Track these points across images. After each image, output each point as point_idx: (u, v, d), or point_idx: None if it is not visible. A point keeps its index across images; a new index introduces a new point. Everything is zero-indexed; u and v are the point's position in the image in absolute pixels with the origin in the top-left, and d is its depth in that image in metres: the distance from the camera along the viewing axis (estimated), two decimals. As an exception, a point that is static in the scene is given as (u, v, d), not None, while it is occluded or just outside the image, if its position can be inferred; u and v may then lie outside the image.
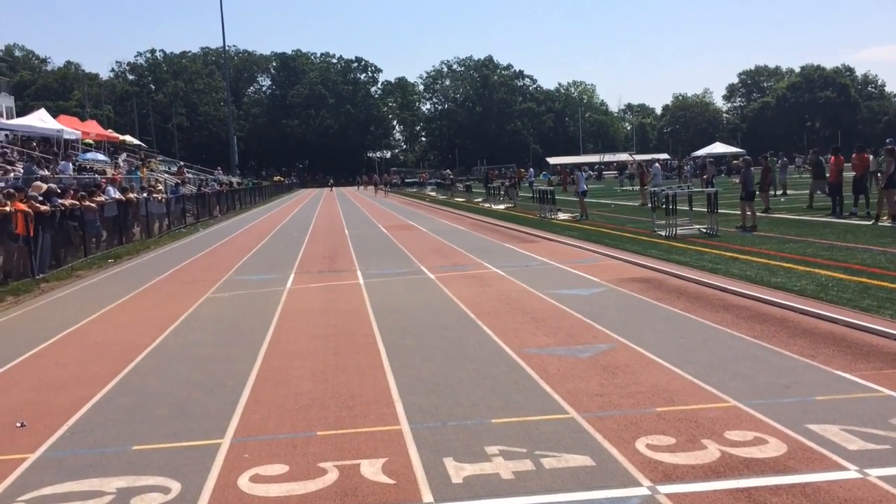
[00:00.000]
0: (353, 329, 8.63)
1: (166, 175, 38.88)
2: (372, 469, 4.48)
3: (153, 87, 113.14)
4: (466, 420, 5.27)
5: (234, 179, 59.55)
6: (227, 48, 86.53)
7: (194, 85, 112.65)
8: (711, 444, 4.60)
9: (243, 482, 4.40)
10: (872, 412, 5.00)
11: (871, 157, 21.13)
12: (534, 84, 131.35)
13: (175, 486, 4.38)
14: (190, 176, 45.03)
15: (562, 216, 24.59)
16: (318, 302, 10.68)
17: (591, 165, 79.66)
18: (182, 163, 53.27)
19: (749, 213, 17.64)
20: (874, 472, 4.05)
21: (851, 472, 4.08)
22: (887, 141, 20.50)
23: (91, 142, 37.54)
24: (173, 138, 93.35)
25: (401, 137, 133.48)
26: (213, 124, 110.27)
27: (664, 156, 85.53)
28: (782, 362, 6.34)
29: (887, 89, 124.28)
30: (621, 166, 72.74)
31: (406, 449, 4.78)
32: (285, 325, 9.06)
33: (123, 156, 39.19)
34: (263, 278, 13.53)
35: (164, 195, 27.61)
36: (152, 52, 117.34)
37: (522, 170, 63.03)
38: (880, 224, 16.59)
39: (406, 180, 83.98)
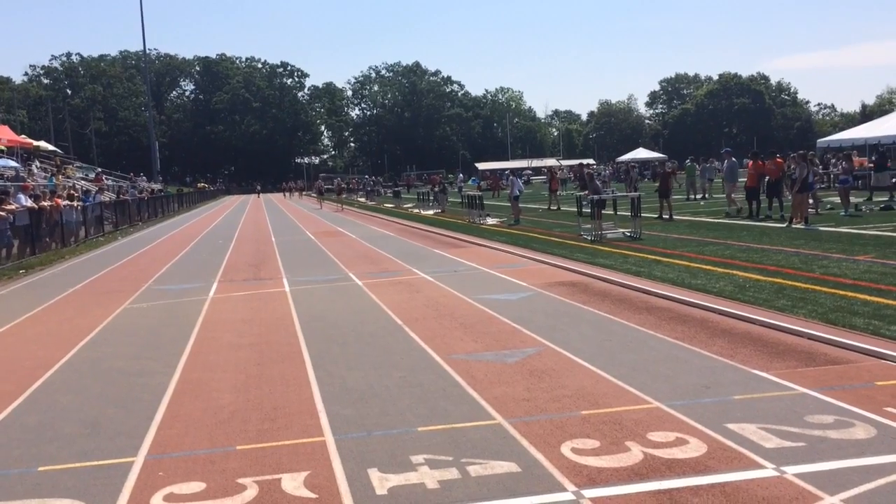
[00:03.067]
0: (277, 339, 8.43)
1: (83, 182, 37.51)
2: (293, 483, 4.35)
3: (69, 92, 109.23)
4: (392, 429, 5.18)
5: (156, 186, 57.90)
6: (147, 51, 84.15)
7: (113, 89, 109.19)
8: (635, 445, 4.63)
9: (157, 502, 4.21)
10: (788, 410, 5.13)
11: (784, 162, 21.95)
12: (462, 90, 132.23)
13: (83, 509, 4.15)
14: (109, 183, 43.58)
15: (491, 221, 24.73)
16: (241, 311, 10.41)
17: (519, 170, 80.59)
18: (100, 169, 51.54)
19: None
20: (790, 470, 4.14)
21: (769, 471, 4.16)
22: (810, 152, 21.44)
23: (3, 148, 35.92)
24: (91, 144, 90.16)
25: (329, 143, 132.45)
26: (134, 130, 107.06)
27: (591, 161, 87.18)
28: (702, 363, 6.46)
29: (800, 97, 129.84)
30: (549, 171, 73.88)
31: (329, 461, 4.66)
32: (206, 336, 8.78)
33: (37, 162, 37.63)
34: (185, 287, 13.13)
35: (80, 202, 26.57)
36: (68, 55, 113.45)
37: (438, 175, 63.81)
38: (794, 227, 17.24)
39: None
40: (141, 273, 15.70)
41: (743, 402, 5.35)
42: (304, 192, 75.23)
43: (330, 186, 63.04)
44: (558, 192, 32.38)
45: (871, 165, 28.09)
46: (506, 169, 49.12)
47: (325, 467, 4.57)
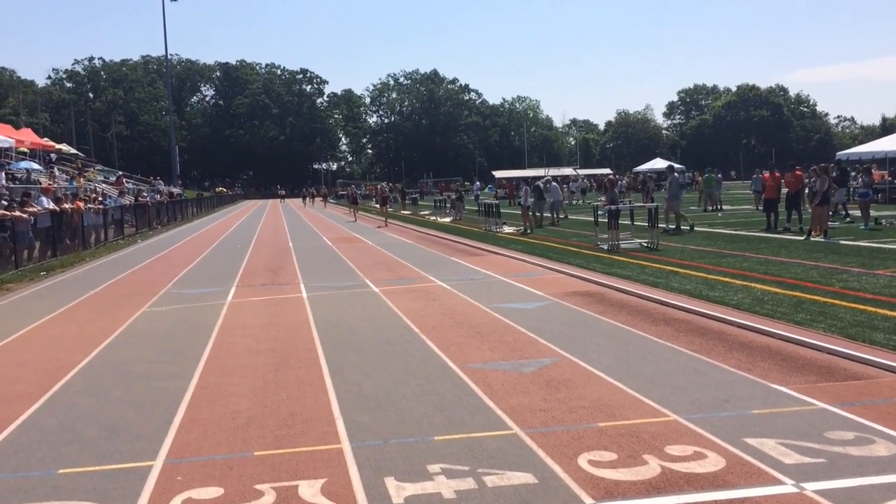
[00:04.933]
0: (294, 344, 8.47)
1: (104, 185, 37.88)
2: (311, 490, 4.36)
3: (91, 96, 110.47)
4: (409, 438, 5.19)
5: (176, 190, 58.36)
6: (169, 57, 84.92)
7: (134, 93, 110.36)
8: (652, 459, 4.61)
9: (175, 506, 4.23)
10: (808, 426, 5.09)
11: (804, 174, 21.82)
12: (479, 98, 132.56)
13: (103, 512, 4.19)
14: (129, 186, 43.98)
15: (507, 229, 24.72)
16: (259, 316, 10.47)
17: (536, 179, 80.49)
18: (121, 172, 52.04)
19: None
20: (810, 486, 4.11)
21: (788, 486, 4.12)
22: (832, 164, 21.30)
23: (26, 150, 36.38)
24: (112, 148, 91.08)
25: (347, 149, 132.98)
26: (154, 134, 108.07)
27: (606, 170, 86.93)
28: (721, 376, 6.43)
29: (819, 109, 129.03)
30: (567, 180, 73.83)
31: (346, 469, 4.67)
32: (224, 341, 8.83)
33: (59, 165, 38.05)
34: (203, 292, 13.21)
35: (102, 205, 26.83)
36: (91, 59, 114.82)
37: (443, 183, 63.56)
38: (812, 239, 17.11)
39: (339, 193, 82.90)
40: (160, 277, 15.83)
41: (762, 416, 5.32)
42: (328, 199, 66.92)
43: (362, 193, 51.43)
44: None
45: (890, 178, 27.85)
46: (526, 178, 48.77)
47: (341, 475, 4.58)
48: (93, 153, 73.90)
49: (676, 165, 28.91)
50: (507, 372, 6.85)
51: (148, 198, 39.25)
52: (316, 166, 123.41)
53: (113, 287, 14.53)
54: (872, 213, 20.80)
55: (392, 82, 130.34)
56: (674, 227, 21.32)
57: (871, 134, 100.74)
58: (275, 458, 4.90)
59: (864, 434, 4.88)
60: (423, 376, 6.83)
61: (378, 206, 36.72)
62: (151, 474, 4.71)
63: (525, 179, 34.85)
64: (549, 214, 28.49)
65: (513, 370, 6.91)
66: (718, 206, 31.37)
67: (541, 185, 27.76)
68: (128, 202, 33.35)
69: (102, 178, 44.05)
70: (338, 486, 4.40)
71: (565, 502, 4.06)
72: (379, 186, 46.91)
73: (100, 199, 28.65)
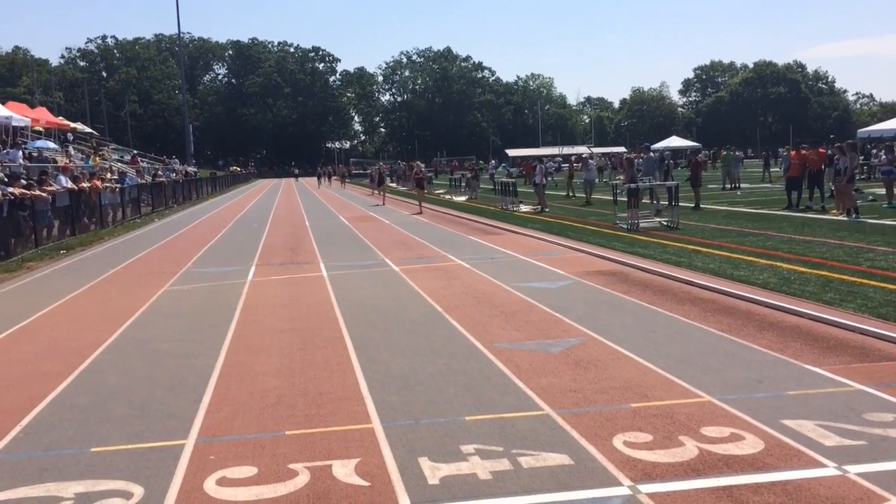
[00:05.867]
0: (318, 323, 8.45)
1: (120, 164, 37.96)
2: (345, 470, 4.34)
3: (105, 75, 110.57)
4: (440, 418, 5.15)
5: (190, 169, 58.44)
6: (181, 35, 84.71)
7: (147, 72, 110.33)
8: (689, 440, 4.55)
9: (210, 486, 4.22)
10: (845, 407, 5.01)
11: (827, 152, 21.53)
12: (493, 76, 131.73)
13: (138, 491, 4.18)
14: (144, 165, 44.04)
15: (524, 208, 24.59)
16: (281, 295, 10.46)
17: (550, 157, 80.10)
18: (135, 151, 52.13)
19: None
20: (853, 469, 4.04)
21: (830, 469, 4.06)
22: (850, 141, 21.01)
23: (41, 129, 36.44)
24: (126, 126, 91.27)
25: (360, 128, 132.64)
26: (168, 112, 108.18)
27: (622, 149, 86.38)
28: (752, 356, 6.34)
29: (837, 85, 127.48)
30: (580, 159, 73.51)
31: (379, 449, 4.64)
32: (248, 319, 8.83)
33: (74, 144, 38.12)
34: (223, 270, 13.22)
35: (119, 184, 26.90)
36: (104, 38, 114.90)
37: (455, 162, 62.57)
38: (836, 217, 16.91)
39: (353, 172, 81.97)
40: (179, 255, 15.85)
41: (798, 397, 5.24)
42: (346, 179, 61.46)
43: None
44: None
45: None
46: (541, 156, 48.30)
47: (374, 455, 4.55)
48: (107, 132, 74.07)
49: (656, 146, 29.32)
50: (534, 352, 6.80)
51: (163, 177, 39.30)
52: (329, 145, 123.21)
53: (133, 266, 14.57)
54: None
55: (405, 60, 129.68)
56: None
57: (890, 111, 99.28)
58: (306, 438, 4.87)
59: (904, 416, 4.80)
60: (449, 356, 6.79)
61: (416, 188, 29.73)
62: (184, 453, 4.70)
63: (540, 159, 34.49)
64: (583, 194, 28.06)
65: (540, 350, 6.85)
66: (737, 185, 31.08)
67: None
68: (144, 181, 33.39)
69: (117, 158, 44.13)
70: (371, 466, 4.38)
71: (603, 484, 4.01)
72: (415, 165, 36.44)
73: (116, 177, 28.70)
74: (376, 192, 37.06)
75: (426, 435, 4.83)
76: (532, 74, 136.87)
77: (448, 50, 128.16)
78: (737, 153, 37.98)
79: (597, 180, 33.32)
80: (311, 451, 4.64)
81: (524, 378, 5.98)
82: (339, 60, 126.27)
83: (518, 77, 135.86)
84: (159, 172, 41.39)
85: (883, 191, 20.83)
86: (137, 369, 6.78)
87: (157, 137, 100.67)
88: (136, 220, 26.69)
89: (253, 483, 4.22)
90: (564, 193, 31.50)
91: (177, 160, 59.24)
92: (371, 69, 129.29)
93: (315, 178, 68.01)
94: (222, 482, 4.26)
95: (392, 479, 4.19)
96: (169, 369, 6.73)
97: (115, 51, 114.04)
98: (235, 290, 10.91)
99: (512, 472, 4.21)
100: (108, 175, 28.72)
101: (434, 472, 4.26)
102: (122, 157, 46.05)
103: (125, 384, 6.32)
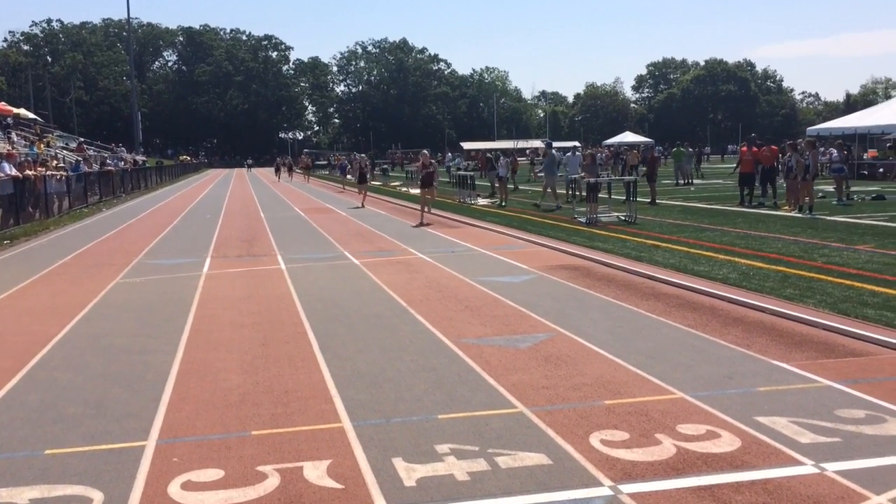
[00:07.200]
0: (279, 318, 8.23)
1: (65, 151, 36.83)
2: (316, 472, 4.18)
3: (50, 59, 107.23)
4: (412, 416, 5.02)
5: (140, 157, 57.04)
6: (131, 20, 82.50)
7: (94, 58, 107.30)
8: (666, 438, 4.51)
9: (174, 490, 4.02)
10: (817, 403, 5.03)
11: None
12: (448, 69, 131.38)
13: (97, 496, 3.96)
14: (91, 153, 42.81)
15: (482, 201, 24.54)
16: (239, 288, 10.18)
17: (505, 152, 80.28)
18: (82, 139, 50.66)
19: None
20: (830, 467, 4.03)
21: (809, 468, 4.05)
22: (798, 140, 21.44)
23: (-19, 114, 35.10)
24: (71, 113, 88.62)
25: (313, 119, 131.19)
26: (115, 99, 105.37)
27: (575, 143, 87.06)
28: (720, 352, 6.36)
29: (785, 84, 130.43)
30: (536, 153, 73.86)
31: (351, 449, 4.50)
32: (206, 314, 8.56)
33: (17, 130, 36.84)
34: (177, 262, 12.85)
35: (66, 172, 26.04)
36: (49, 22, 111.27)
37: (402, 154, 61.95)
38: (789, 214, 17.23)
39: (316, 163, 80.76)
40: (130, 246, 15.39)
41: (769, 393, 5.25)
42: (309, 172, 53.38)
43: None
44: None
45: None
46: (506, 149, 48.20)
47: (346, 455, 4.40)
48: (51, 119, 71.72)
49: (574, 144, 30.00)
50: (502, 347, 6.71)
51: (111, 165, 38.23)
52: (282, 135, 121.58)
53: (82, 256, 14.08)
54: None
55: (360, 51, 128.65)
56: (555, 206, 21.20)
57: (834, 110, 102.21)
58: (274, 438, 4.70)
59: (875, 412, 4.83)
60: (416, 352, 6.66)
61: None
62: (145, 455, 4.49)
63: (504, 151, 34.42)
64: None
65: (508, 346, 6.77)
66: (689, 181, 31.54)
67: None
68: (92, 170, 32.41)
69: (62, 145, 42.81)
70: (344, 468, 4.23)
71: (584, 484, 3.94)
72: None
73: (63, 165, 27.79)
74: (346, 188, 33.85)
75: (399, 434, 4.70)
76: (487, 67, 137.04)
77: (404, 41, 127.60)
78: (689, 150, 38.50)
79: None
80: (280, 453, 4.47)
81: (494, 375, 5.88)
82: (293, 49, 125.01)
83: (473, 70, 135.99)
84: (107, 161, 40.28)
85: (832, 188, 21.32)
86: (91, 366, 6.49)
87: (104, 125, 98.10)
88: (83, 210, 25.88)
89: (220, 487, 4.04)
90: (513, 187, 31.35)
91: (124, 149, 57.71)
92: (325, 59, 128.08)
93: (272, 170, 63.05)
94: (188, 486, 4.06)
95: (367, 482, 4.05)
96: (125, 365, 6.46)
97: (61, 35, 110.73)
98: (191, 283, 10.60)
99: (490, 473, 4.10)
100: (55, 163, 27.81)
101: (410, 473, 4.13)
102: (67, 144, 44.69)
103: (79, 381, 6.04)
